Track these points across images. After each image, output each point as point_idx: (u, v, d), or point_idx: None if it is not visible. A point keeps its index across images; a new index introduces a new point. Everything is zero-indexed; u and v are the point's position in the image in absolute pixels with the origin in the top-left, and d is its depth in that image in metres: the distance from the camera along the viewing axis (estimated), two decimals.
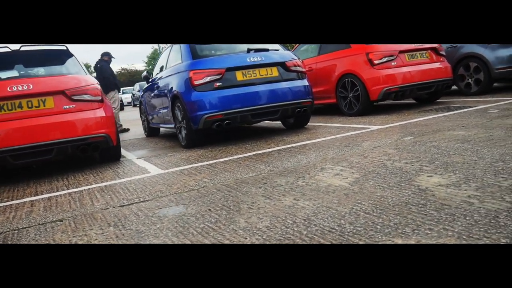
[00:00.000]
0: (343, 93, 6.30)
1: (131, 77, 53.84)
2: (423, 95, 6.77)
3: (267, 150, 4.16)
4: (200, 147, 4.96)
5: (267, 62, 4.93)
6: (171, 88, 5.26)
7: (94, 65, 8.94)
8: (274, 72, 4.97)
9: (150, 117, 6.89)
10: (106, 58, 8.77)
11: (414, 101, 7.13)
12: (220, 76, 4.71)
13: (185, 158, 4.31)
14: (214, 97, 4.68)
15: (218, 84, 4.72)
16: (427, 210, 1.95)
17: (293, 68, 5.08)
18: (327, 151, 3.71)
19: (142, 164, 4.26)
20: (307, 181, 2.74)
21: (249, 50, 5.02)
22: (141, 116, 7.85)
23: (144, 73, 6.69)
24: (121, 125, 8.98)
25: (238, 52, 5.08)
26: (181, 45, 5.27)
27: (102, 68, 8.54)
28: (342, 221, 1.97)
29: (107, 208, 2.71)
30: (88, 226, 2.39)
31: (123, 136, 7.81)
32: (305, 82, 5.19)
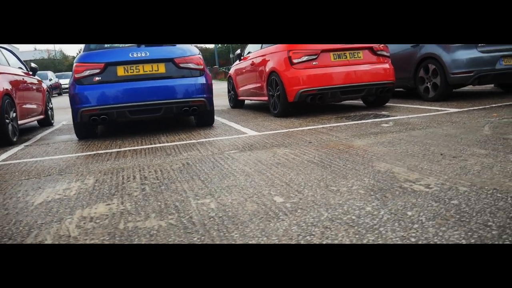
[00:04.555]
0: (270, 91, 5.97)
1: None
2: (368, 98, 6.21)
3: (108, 150, 4.11)
4: (92, 139, 5.01)
5: (153, 58, 4.80)
6: None
7: None
8: (161, 68, 4.84)
9: None
10: None
11: (362, 102, 6.56)
12: (99, 70, 4.69)
13: (50, 151, 4.39)
14: (92, 91, 4.69)
15: (97, 78, 4.71)
16: None
17: (183, 65, 4.90)
18: (136, 159, 3.58)
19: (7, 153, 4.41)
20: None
21: (139, 45, 4.92)
22: None
23: None
24: None
25: (126, 46, 5.01)
26: None
27: None
28: None
29: None
30: None
31: None
32: (200, 80, 4.99)
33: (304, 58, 5.39)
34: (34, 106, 6.32)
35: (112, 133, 5.51)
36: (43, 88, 7.04)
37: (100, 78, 4.70)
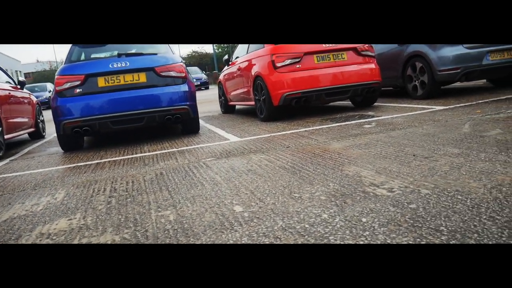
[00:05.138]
0: (257, 96, 5.94)
1: (201, 60, 55.52)
2: (356, 99, 6.17)
3: (88, 162, 4.10)
4: (77, 151, 5.01)
5: (133, 68, 4.79)
6: None
7: None
8: (142, 78, 4.82)
9: None
10: None
11: (351, 103, 6.51)
12: (80, 82, 4.69)
13: (32, 164, 4.39)
14: (73, 103, 4.69)
15: (78, 90, 4.70)
16: None
17: (165, 74, 4.89)
18: (112, 171, 3.56)
19: None
20: None
21: (119, 55, 4.92)
22: None
23: None
24: None
25: (107, 57, 5.00)
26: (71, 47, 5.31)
27: None
28: None
29: None
30: None
31: None
32: (182, 88, 4.97)
33: (287, 62, 5.36)
34: (23, 120, 6.33)
35: (98, 143, 5.51)
36: (33, 101, 7.06)
37: (81, 90, 4.69)
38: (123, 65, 4.75)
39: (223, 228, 1.91)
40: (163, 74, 4.88)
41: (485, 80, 7.32)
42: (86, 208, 2.49)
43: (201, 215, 2.13)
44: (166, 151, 4.27)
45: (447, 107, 4.97)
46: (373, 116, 4.96)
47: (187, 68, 20.18)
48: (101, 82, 4.72)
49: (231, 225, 1.94)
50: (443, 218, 1.73)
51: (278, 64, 5.37)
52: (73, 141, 5.03)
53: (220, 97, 8.30)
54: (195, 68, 26.00)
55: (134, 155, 4.21)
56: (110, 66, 4.73)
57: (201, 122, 6.83)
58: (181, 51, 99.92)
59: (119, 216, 2.28)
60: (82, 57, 5.24)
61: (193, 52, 59.48)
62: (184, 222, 2.06)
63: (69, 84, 4.69)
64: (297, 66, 5.36)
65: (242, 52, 6.81)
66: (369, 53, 5.68)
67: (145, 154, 4.22)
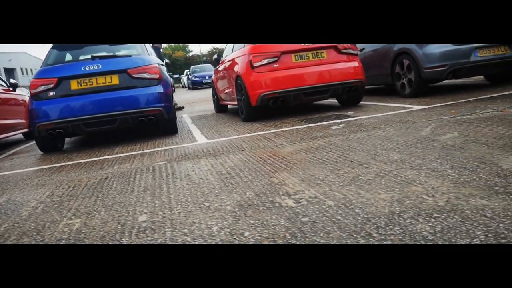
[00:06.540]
0: (238, 96, 5.90)
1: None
2: (342, 98, 6.03)
3: (54, 165, 4.16)
4: (54, 152, 5.09)
5: (105, 70, 4.81)
6: None
7: None
8: (114, 80, 4.84)
9: None
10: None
11: (337, 102, 6.37)
12: (53, 85, 4.75)
13: (5, 166, 4.48)
14: (46, 106, 4.75)
15: (51, 93, 4.77)
16: None
17: (137, 75, 4.89)
18: (67, 174, 3.59)
19: None
20: None
21: (93, 58, 4.95)
22: None
23: None
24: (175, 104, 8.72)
25: (81, 60, 5.05)
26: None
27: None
28: None
29: None
30: None
31: None
32: (156, 89, 4.97)
33: (265, 61, 5.28)
34: (14, 121, 6.48)
35: (79, 144, 5.58)
36: (26, 102, 7.20)
37: (54, 93, 4.75)
38: (96, 67, 4.78)
39: (113, 240, 1.88)
40: (136, 75, 4.88)
41: (482, 77, 7.03)
42: (12, 215, 2.52)
43: (104, 224, 2.11)
44: (131, 153, 4.27)
45: (427, 106, 4.79)
46: (349, 117, 4.84)
47: (208, 64, 20.14)
48: (74, 85, 4.77)
49: (121, 237, 1.91)
50: (321, 235, 1.65)
51: (256, 64, 5.30)
52: (50, 143, 5.10)
53: (213, 96, 8.29)
54: (209, 66, 26.05)
55: (100, 158, 4.23)
56: (82, 69, 4.77)
57: (187, 121, 6.84)
58: (202, 48, 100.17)
59: (32, 224, 2.29)
60: (63, 59, 5.29)
61: (214, 49, 59.72)
62: (83, 231, 2.05)
63: (43, 87, 4.76)
64: (275, 65, 5.28)
65: (229, 51, 6.77)
66: (351, 51, 5.53)
67: (110, 156, 4.24)
